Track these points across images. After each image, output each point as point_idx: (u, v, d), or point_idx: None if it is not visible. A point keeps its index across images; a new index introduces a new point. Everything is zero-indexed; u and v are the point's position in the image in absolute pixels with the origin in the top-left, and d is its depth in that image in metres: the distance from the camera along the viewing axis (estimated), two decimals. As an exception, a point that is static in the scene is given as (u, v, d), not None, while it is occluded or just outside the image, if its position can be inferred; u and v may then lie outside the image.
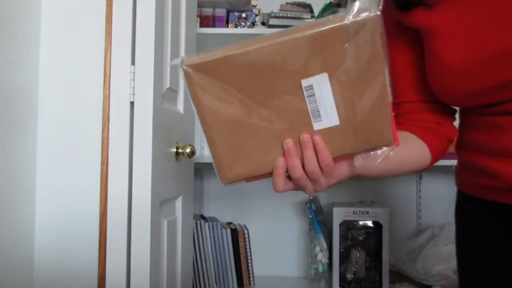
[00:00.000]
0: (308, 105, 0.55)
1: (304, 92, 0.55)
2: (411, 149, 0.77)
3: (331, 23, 0.51)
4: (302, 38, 0.52)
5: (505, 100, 0.69)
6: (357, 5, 0.51)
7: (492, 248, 0.79)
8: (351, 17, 0.51)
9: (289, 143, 0.57)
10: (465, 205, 0.85)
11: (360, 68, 0.54)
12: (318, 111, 0.56)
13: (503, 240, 0.77)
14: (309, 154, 0.57)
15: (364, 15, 0.51)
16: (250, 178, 0.62)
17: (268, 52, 0.53)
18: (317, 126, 0.56)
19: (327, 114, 0.56)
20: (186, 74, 0.55)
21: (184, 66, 0.54)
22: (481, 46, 0.68)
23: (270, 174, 0.61)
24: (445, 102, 0.78)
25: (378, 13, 0.51)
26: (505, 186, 0.72)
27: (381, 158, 0.59)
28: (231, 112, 0.57)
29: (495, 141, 0.72)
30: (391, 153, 0.58)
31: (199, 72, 0.55)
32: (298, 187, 0.61)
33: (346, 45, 0.52)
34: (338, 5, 1.83)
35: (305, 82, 0.54)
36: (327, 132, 0.57)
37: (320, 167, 0.58)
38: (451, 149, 0.86)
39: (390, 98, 0.56)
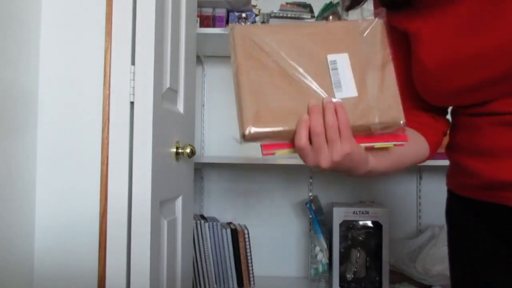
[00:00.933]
0: (331, 77, 0.65)
1: (329, 66, 0.65)
2: (411, 142, 0.79)
3: (352, 21, 0.68)
4: (332, 25, 0.68)
5: (479, 102, 0.72)
6: (367, 12, 0.70)
7: (480, 249, 0.80)
8: (366, 19, 0.69)
9: (314, 101, 0.62)
10: (453, 204, 0.88)
11: (372, 56, 0.66)
12: (340, 83, 0.65)
13: (486, 237, 0.79)
14: (330, 113, 0.62)
15: (373, 19, 0.69)
16: (269, 142, 0.63)
17: (307, 30, 0.66)
18: (338, 95, 0.64)
19: (346, 86, 0.65)
20: (232, 33, 0.64)
21: (235, 26, 0.65)
22: (454, 49, 0.70)
23: (291, 142, 0.63)
24: (429, 101, 0.80)
25: (383, 17, 0.69)
26: (479, 184, 0.75)
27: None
28: (264, 70, 0.64)
29: (473, 141, 0.75)
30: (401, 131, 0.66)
31: (244, 34, 0.64)
32: (315, 147, 0.62)
33: (363, 35, 0.67)
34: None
35: (330, 57, 0.65)
36: (345, 103, 0.64)
37: (338, 128, 0.62)
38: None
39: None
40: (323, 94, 0.64)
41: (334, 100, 0.63)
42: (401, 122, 0.65)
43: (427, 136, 0.84)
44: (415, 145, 0.82)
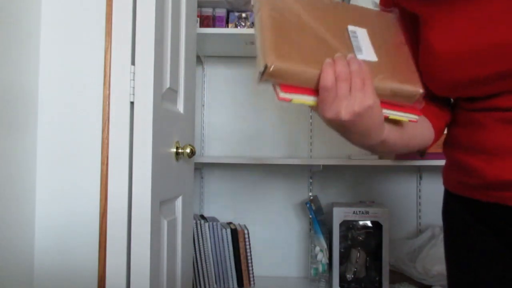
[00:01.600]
0: (352, 42, 0.66)
1: (350, 34, 0.67)
2: (419, 125, 0.78)
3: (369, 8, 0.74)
4: (352, 6, 0.74)
5: (486, 95, 0.70)
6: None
7: (477, 249, 0.79)
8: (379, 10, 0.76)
9: (340, 56, 0.61)
10: (449, 204, 0.86)
11: (388, 38, 0.71)
12: (360, 48, 0.66)
13: (484, 238, 0.78)
14: (356, 63, 0.61)
15: (389, 10, 0.76)
16: (289, 84, 0.59)
17: (328, 3, 0.69)
18: (359, 57, 0.64)
19: (367, 51, 0.66)
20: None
21: None
22: (471, 39, 0.68)
23: (311, 89, 0.60)
24: (433, 91, 0.78)
25: (397, 12, 0.76)
26: (481, 183, 0.73)
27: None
28: (289, 16, 0.63)
29: (474, 138, 0.73)
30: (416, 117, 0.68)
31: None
32: (339, 94, 0.60)
33: (380, 21, 0.73)
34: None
35: (350, 27, 0.67)
36: (367, 63, 0.64)
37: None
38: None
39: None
40: (346, 49, 0.63)
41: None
42: (420, 91, 0.66)
43: (433, 121, 0.82)
44: (422, 128, 0.80)
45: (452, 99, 0.85)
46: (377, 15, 0.73)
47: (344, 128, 0.64)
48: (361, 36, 0.67)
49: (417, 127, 0.78)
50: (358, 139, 0.67)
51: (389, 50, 0.69)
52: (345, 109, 0.60)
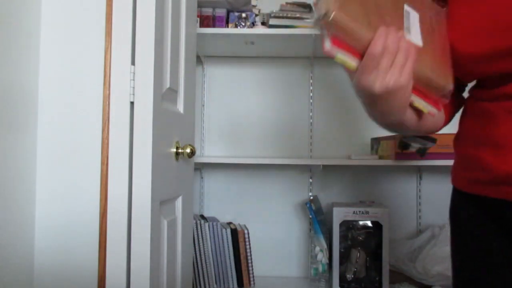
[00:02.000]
0: (404, 21, 0.67)
1: (404, 14, 0.67)
2: None
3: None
4: None
5: (499, 75, 0.69)
6: None
7: (486, 248, 0.77)
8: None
9: (392, 29, 0.62)
10: (457, 203, 0.84)
11: (436, 28, 0.72)
12: (409, 29, 0.67)
13: (496, 238, 0.75)
14: (405, 41, 0.62)
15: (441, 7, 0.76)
16: (345, 38, 0.60)
17: None
18: (407, 37, 0.65)
19: (415, 33, 0.68)
20: None
21: None
22: (494, 6, 0.67)
23: (360, 45, 0.61)
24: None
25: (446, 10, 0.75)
26: (491, 178, 0.70)
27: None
28: None
29: (485, 131, 0.72)
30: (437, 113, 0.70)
31: None
32: (381, 65, 0.61)
33: (433, 12, 0.74)
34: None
35: (406, 7, 0.68)
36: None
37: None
38: (451, 149, 0.86)
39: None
40: (397, 27, 0.64)
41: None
42: (451, 87, 0.69)
43: (445, 108, 0.82)
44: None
45: (465, 89, 0.84)
46: (431, 6, 0.74)
47: (371, 100, 0.65)
48: (413, 18, 0.68)
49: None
50: (379, 114, 0.68)
51: (434, 40, 0.70)
52: (380, 82, 0.61)
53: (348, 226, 1.79)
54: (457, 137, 0.82)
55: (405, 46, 0.61)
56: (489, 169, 0.70)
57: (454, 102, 0.83)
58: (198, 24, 1.77)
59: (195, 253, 1.83)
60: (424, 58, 0.67)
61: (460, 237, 0.83)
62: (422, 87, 0.68)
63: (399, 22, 0.66)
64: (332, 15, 0.57)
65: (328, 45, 0.59)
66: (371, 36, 0.60)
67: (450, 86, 0.70)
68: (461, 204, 0.82)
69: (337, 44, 0.60)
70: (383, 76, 0.61)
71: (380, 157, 1.83)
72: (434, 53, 0.70)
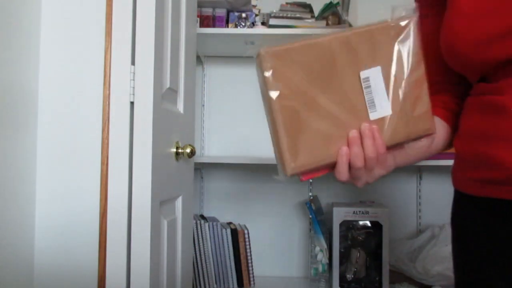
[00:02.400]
0: (365, 96, 0.62)
1: (362, 84, 0.62)
2: (438, 133, 0.76)
3: (382, 24, 0.62)
4: (363, 32, 0.61)
5: (508, 59, 0.64)
6: (399, 11, 0.62)
7: (499, 261, 0.69)
8: (396, 20, 0.63)
9: (354, 132, 0.61)
10: (461, 207, 0.77)
11: (404, 64, 0.62)
12: (373, 102, 0.62)
13: (501, 246, 0.69)
14: (369, 142, 0.61)
15: (405, 19, 0.62)
16: (309, 172, 0.63)
17: (334, 43, 0.60)
18: (372, 116, 0.62)
19: (381, 104, 0.62)
20: (262, 59, 0.59)
21: (261, 51, 0.59)
22: None
23: (329, 168, 0.64)
24: (454, 66, 0.73)
25: (416, 18, 0.62)
26: (502, 177, 0.65)
27: (424, 144, 0.67)
28: (297, 100, 0.60)
29: (494, 124, 0.66)
30: (431, 141, 0.66)
31: (272, 58, 0.59)
32: (354, 177, 0.64)
33: (393, 42, 0.62)
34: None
35: (363, 74, 0.61)
36: (380, 122, 0.63)
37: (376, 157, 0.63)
38: (452, 149, 0.85)
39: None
40: (358, 119, 0.62)
41: (370, 120, 0.62)
42: (433, 133, 0.66)
43: (451, 125, 0.79)
44: (440, 138, 0.78)
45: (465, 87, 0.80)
46: (394, 29, 0.63)
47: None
48: (374, 80, 0.62)
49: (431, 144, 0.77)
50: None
51: (404, 82, 0.63)
52: (359, 183, 0.65)
53: (348, 226, 1.79)
54: (460, 136, 0.76)
55: (372, 153, 0.62)
56: (504, 167, 0.64)
57: (455, 114, 0.81)
58: (198, 24, 1.77)
59: (195, 253, 1.83)
60: (398, 121, 0.63)
61: (463, 244, 0.76)
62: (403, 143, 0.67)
63: (360, 103, 0.62)
64: (290, 174, 0.60)
65: (301, 178, 0.63)
66: (335, 159, 0.62)
67: (432, 131, 0.66)
68: (464, 208, 0.76)
69: (309, 176, 0.63)
70: (360, 180, 0.64)
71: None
72: (407, 103, 0.63)
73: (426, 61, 0.79)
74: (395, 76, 0.63)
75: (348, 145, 0.61)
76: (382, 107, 0.62)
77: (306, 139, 0.61)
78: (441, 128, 0.78)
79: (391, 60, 0.62)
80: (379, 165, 0.63)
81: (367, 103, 0.62)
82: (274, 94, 0.60)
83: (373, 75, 0.62)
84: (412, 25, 0.63)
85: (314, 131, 0.61)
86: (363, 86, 0.62)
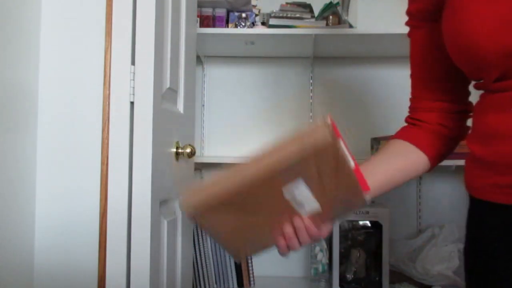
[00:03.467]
0: (293, 205, 0.68)
1: (288, 197, 0.67)
2: (404, 164, 0.80)
3: (296, 147, 0.61)
4: (279, 152, 0.62)
5: None
6: (312, 129, 0.62)
7: (505, 273, 0.64)
8: (311, 130, 0.62)
9: (289, 233, 0.73)
10: (476, 213, 0.70)
11: (327, 168, 0.63)
12: (302, 205, 0.68)
13: None
14: (302, 233, 0.72)
15: (320, 127, 0.61)
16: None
17: (253, 174, 0.62)
18: (303, 213, 0.70)
19: (309, 204, 0.69)
20: (191, 215, 0.67)
21: (188, 210, 0.66)
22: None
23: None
24: (465, 68, 0.69)
25: (329, 139, 0.60)
26: None
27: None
28: (231, 225, 0.70)
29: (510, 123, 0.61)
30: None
31: (201, 209, 0.65)
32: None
33: (311, 160, 0.62)
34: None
35: (285, 189, 0.65)
36: (311, 216, 0.71)
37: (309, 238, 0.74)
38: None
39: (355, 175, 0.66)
40: (290, 216, 0.71)
41: (302, 216, 0.71)
42: (366, 201, 0.70)
43: (428, 150, 0.79)
44: (409, 168, 0.81)
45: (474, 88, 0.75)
46: (310, 138, 0.61)
47: None
48: (298, 190, 0.65)
49: (396, 175, 0.80)
50: None
51: (328, 178, 0.64)
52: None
53: (348, 226, 1.79)
54: (476, 136, 0.68)
55: (306, 238, 0.74)
56: None
57: (446, 134, 0.81)
58: (198, 24, 1.77)
59: (195, 253, 1.83)
60: (329, 208, 0.71)
61: (477, 253, 0.69)
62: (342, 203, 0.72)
63: (289, 204, 0.68)
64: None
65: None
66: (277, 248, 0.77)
67: (363, 201, 0.71)
68: (480, 214, 0.68)
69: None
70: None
71: (380, 157, 1.82)
72: (334, 193, 0.67)
73: (419, 72, 0.83)
74: (319, 178, 0.64)
75: (286, 239, 0.75)
76: (310, 205, 0.69)
77: (245, 244, 0.78)
78: (413, 158, 0.81)
79: (312, 170, 0.63)
80: (314, 240, 0.76)
81: (296, 207, 0.69)
82: (211, 230, 0.71)
83: (296, 186, 0.65)
84: (328, 145, 0.60)
85: (250, 239, 0.76)
86: (289, 199, 0.67)
